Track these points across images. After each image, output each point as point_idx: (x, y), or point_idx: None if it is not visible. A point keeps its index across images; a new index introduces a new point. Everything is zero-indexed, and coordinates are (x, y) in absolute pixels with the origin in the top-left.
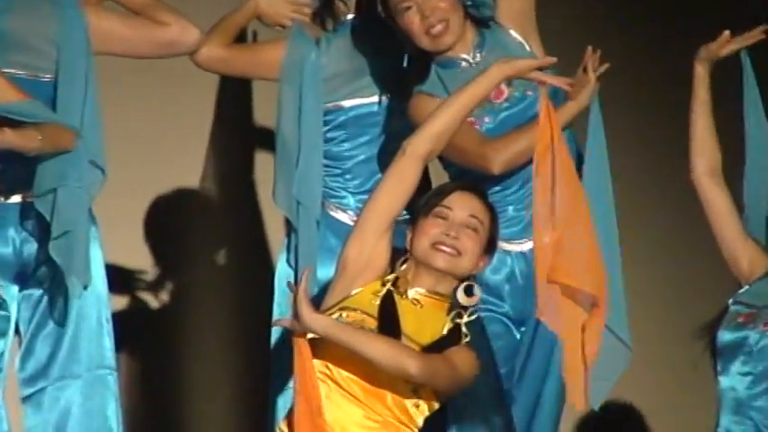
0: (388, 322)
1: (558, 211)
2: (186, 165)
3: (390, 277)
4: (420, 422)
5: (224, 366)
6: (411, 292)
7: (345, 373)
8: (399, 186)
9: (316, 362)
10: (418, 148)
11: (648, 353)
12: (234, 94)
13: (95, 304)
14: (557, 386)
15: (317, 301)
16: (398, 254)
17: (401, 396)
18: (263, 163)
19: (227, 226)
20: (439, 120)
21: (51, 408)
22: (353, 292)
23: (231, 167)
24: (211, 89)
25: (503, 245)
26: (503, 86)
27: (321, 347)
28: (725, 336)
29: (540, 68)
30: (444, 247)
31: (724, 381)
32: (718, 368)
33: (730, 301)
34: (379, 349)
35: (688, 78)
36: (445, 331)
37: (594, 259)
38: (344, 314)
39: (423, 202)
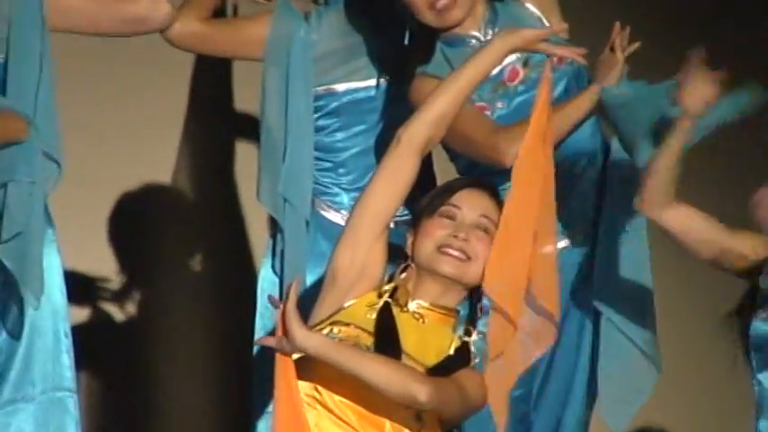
0: (387, 339)
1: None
2: (156, 158)
3: (388, 288)
4: None
5: (200, 386)
6: (412, 305)
7: (338, 398)
8: (395, 181)
9: (303, 384)
10: (415, 136)
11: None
12: (211, 77)
13: (51, 317)
14: (579, 411)
15: (304, 315)
16: (398, 256)
17: (401, 424)
18: (245, 155)
19: (202, 227)
20: (437, 103)
21: None
22: (346, 304)
23: (208, 161)
24: (185, 71)
25: None
26: (518, 67)
27: (310, 368)
28: (761, 327)
29: (548, 39)
30: (452, 251)
31: (765, 379)
32: (754, 364)
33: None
34: (382, 373)
35: (728, 58)
36: (452, 351)
37: (519, 276)
38: (336, 329)
39: (427, 200)
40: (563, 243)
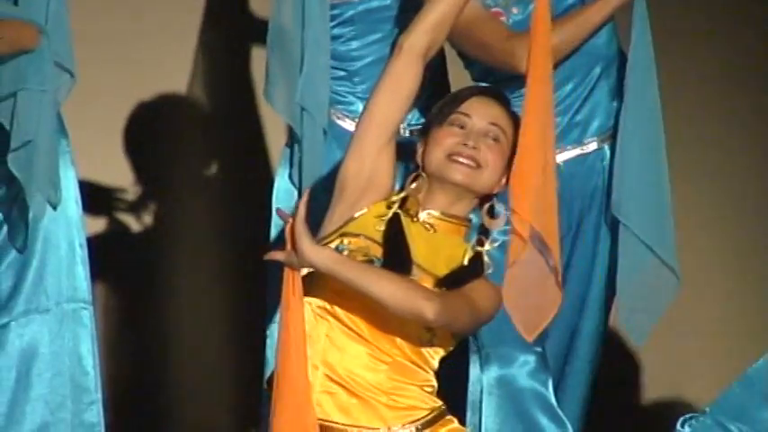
0: (397, 249)
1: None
2: (171, 66)
3: (397, 198)
4: (435, 363)
5: (215, 299)
6: (422, 215)
7: (349, 309)
8: (399, 89)
9: (314, 299)
10: (416, 42)
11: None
12: None
13: (66, 228)
14: (594, 321)
15: (315, 227)
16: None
17: (413, 334)
18: (260, 64)
19: (219, 135)
20: (437, 8)
21: (15, 346)
22: (356, 215)
23: (223, 69)
24: None
25: None
26: None
27: (320, 281)
28: None
29: None
30: (462, 159)
31: None
32: None
33: None
34: (389, 290)
35: None
36: (466, 261)
37: (550, 203)
38: (346, 241)
39: (436, 109)
40: (577, 151)
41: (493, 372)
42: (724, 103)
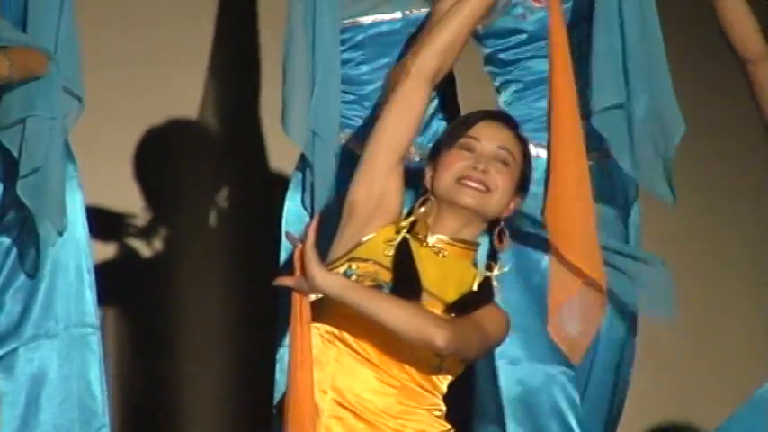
0: (406, 276)
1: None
2: (182, 92)
3: (406, 222)
4: (444, 388)
5: (223, 323)
6: (431, 239)
7: (358, 334)
8: (406, 112)
9: (322, 325)
10: (424, 65)
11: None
12: (236, 12)
13: (74, 253)
14: (615, 328)
15: (325, 252)
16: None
17: (422, 359)
18: (270, 91)
19: (229, 161)
20: (445, 32)
21: (24, 371)
22: (364, 239)
23: (233, 95)
24: (211, 3)
25: (540, 151)
26: None
27: (328, 308)
28: None
29: None
30: (471, 183)
31: None
32: None
33: None
34: (399, 317)
35: None
36: (475, 286)
37: (591, 232)
38: (354, 265)
39: (445, 133)
40: None
41: (519, 386)
42: (741, 125)
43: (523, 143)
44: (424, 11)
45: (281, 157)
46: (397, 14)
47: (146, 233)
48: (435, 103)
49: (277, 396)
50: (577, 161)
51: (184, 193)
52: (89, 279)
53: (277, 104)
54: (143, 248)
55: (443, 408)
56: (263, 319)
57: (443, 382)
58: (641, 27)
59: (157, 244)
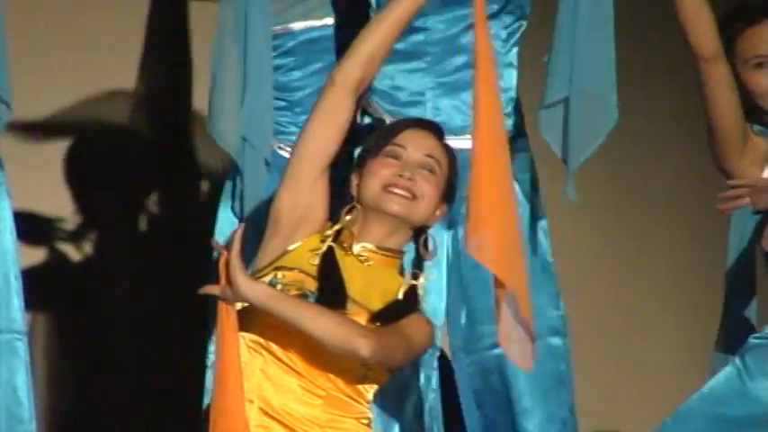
0: (331, 284)
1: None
2: (111, 97)
3: (332, 231)
4: (370, 396)
5: (154, 329)
6: (357, 248)
7: (284, 344)
8: (331, 122)
9: (248, 334)
10: (348, 75)
11: None
12: (167, 18)
13: (1, 259)
14: None
15: (250, 259)
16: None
17: (347, 368)
18: (201, 95)
19: (158, 165)
20: (368, 41)
21: None
22: (290, 248)
23: (164, 99)
24: (141, 11)
25: None
26: None
27: (255, 316)
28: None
29: None
30: (398, 190)
31: None
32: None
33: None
34: (324, 327)
35: None
36: (401, 295)
37: (516, 249)
38: (280, 274)
39: (371, 141)
40: None
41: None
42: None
43: (449, 151)
44: None
45: (213, 163)
46: (329, 20)
47: (73, 238)
48: None
49: (207, 402)
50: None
51: (114, 197)
52: (16, 286)
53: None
54: (72, 253)
55: (370, 416)
56: (192, 325)
57: (369, 390)
58: (592, 16)
59: (87, 248)
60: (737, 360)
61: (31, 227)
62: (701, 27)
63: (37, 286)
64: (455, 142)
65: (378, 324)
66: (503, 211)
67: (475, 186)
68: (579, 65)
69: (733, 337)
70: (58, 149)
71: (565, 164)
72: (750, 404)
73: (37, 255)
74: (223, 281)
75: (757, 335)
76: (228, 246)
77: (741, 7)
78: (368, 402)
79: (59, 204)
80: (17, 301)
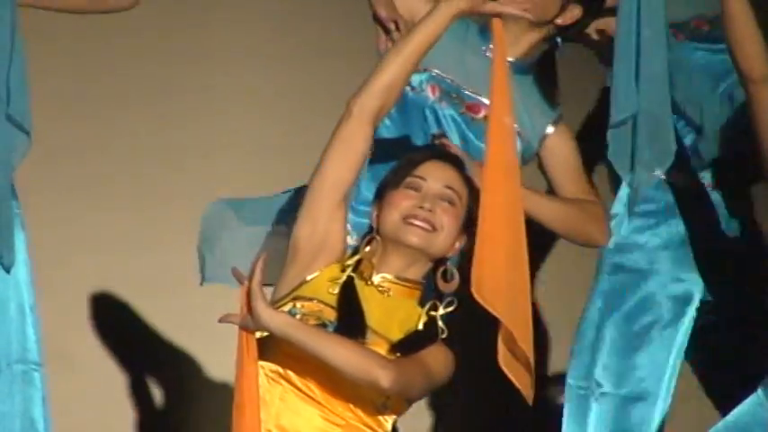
0: (350, 314)
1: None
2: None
3: (352, 261)
4: (389, 426)
5: (184, 365)
6: (377, 278)
7: (303, 373)
8: (347, 154)
9: (267, 364)
10: (366, 106)
11: None
12: None
13: (15, 290)
14: None
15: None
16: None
17: (367, 397)
18: None
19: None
20: (386, 71)
21: None
22: (309, 277)
23: None
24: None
25: None
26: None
27: (275, 346)
28: None
29: None
30: (418, 222)
31: None
32: None
33: None
34: (345, 358)
35: None
36: (420, 325)
37: (524, 292)
38: (299, 304)
39: (391, 173)
40: None
41: None
42: None
43: (469, 183)
44: None
45: None
46: None
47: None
48: None
49: None
50: (509, 225)
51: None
52: (32, 317)
53: None
54: None
55: None
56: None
57: (388, 420)
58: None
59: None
60: (761, 389)
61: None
62: (751, 47)
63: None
64: None
65: (397, 354)
66: (510, 248)
67: (482, 221)
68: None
69: None
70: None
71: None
72: None
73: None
74: (244, 310)
75: None
76: (250, 275)
77: None
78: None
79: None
80: (33, 333)
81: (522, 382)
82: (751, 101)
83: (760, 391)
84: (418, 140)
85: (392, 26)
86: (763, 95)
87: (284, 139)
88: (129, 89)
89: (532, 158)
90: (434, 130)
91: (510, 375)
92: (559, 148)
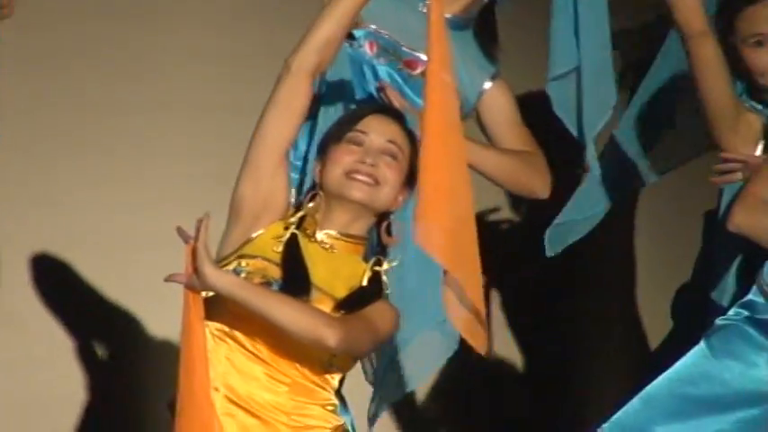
0: (295, 272)
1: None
2: None
3: (295, 218)
4: (336, 383)
5: (129, 325)
6: (320, 235)
7: (249, 332)
8: (289, 110)
9: (213, 323)
10: (304, 62)
11: None
12: None
13: None
14: None
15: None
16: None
17: (313, 355)
18: None
19: None
20: (325, 25)
21: None
22: (253, 235)
23: None
24: None
25: None
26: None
27: (220, 305)
28: None
29: None
30: (360, 176)
31: None
32: None
33: None
34: (291, 317)
35: None
36: (365, 281)
37: (469, 238)
38: (243, 263)
39: (334, 127)
40: None
41: None
42: None
43: (411, 136)
44: None
45: None
46: None
47: None
48: None
49: None
50: (452, 177)
51: None
52: None
53: None
54: None
55: (336, 402)
56: None
57: (335, 378)
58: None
59: None
60: (704, 342)
61: None
62: (687, 3)
63: None
64: None
65: (342, 312)
66: (453, 199)
67: (423, 173)
68: (582, 38)
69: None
70: None
71: (580, 139)
72: (716, 385)
73: None
74: (189, 269)
75: (723, 317)
76: (195, 234)
77: None
78: (333, 389)
79: None
80: None
81: (473, 334)
82: (691, 57)
83: (703, 343)
84: (357, 95)
85: None
86: (702, 49)
87: (228, 97)
88: (73, 46)
89: (471, 114)
90: (372, 85)
91: (459, 329)
92: (498, 102)
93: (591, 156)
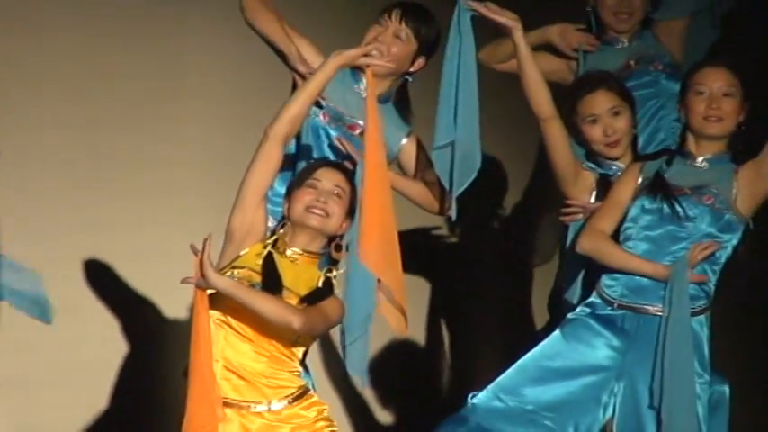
0: (271, 277)
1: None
2: None
3: (270, 240)
4: (300, 355)
5: (155, 313)
6: (289, 251)
7: (239, 319)
8: (265, 167)
9: (214, 312)
10: (278, 132)
11: None
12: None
13: None
14: None
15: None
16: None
17: (285, 336)
18: None
19: None
20: (295, 104)
21: None
22: (241, 253)
23: None
24: None
25: None
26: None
27: (219, 300)
28: None
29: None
30: (316, 210)
31: None
32: None
33: None
34: (268, 307)
35: None
36: (320, 284)
37: (394, 255)
38: (235, 272)
39: (296, 177)
40: None
41: None
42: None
43: (351, 182)
44: None
45: None
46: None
47: None
48: None
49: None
50: (382, 209)
51: None
52: None
53: None
54: None
55: (300, 369)
56: None
57: (300, 351)
58: (464, 78)
59: None
60: (559, 329)
61: None
62: (540, 94)
63: None
64: None
65: (304, 305)
66: (383, 226)
67: (364, 207)
68: (459, 116)
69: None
70: None
71: (450, 191)
72: (567, 359)
73: None
74: (198, 274)
75: (573, 312)
76: (202, 249)
77: (582, 79)
78: (298, 360)
79: None
80: None
81: (397, 321)
82: (543, 134)
83: (558, 331)
84: (315, 153)
85: (307, 74)
86: (551, 129)
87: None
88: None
89: (394, 161)
90: (326, 145)
91: (389, 318)
92: (412, 152)
93: (453, 204)
